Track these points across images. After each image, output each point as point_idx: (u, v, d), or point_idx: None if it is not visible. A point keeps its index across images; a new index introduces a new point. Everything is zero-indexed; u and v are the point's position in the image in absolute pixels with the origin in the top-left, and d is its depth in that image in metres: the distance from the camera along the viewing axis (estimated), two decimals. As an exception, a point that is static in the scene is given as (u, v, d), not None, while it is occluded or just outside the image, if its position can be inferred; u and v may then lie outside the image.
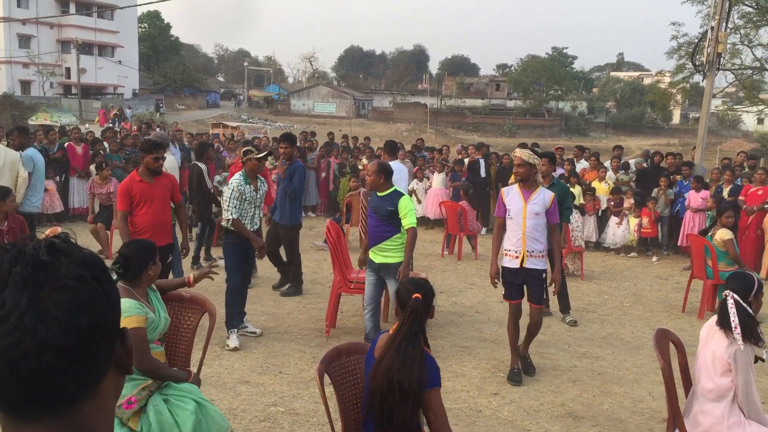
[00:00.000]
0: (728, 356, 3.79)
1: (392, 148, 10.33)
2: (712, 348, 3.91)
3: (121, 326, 1.07)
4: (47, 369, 0.96)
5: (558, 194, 7.95)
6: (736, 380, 3.79)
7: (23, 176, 8.14)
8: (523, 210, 6.06)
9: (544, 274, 6.20)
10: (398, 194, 6.49)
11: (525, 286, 6.20)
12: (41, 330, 0.94)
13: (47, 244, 1.01)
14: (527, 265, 6.07)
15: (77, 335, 0.96)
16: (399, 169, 8.85)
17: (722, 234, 8.62)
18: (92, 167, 12.79)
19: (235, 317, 6.85)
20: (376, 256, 6.53)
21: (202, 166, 10.14)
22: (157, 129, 18.16)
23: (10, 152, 8.18)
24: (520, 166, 6.13)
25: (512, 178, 12.98)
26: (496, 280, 6.32)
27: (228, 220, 6.69)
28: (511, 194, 6.20)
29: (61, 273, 0.98)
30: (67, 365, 0.96)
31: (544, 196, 6.14)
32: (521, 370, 6.27)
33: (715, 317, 4.05)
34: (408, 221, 6.40)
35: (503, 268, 6.23)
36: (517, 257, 6.09)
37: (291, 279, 8.84)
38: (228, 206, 6.70)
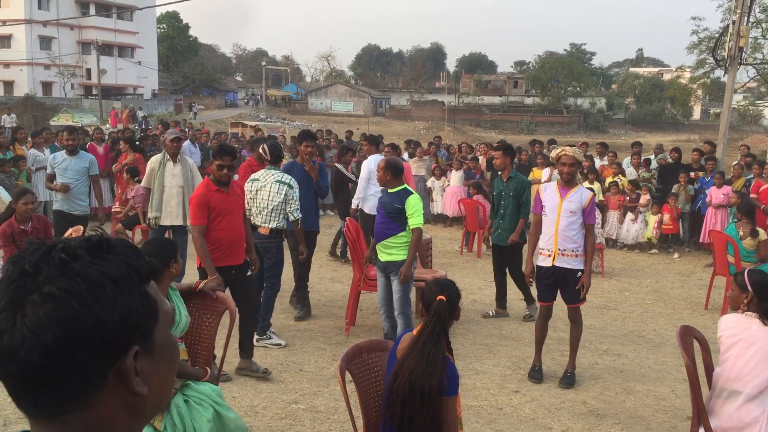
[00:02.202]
0: None
1: (373, 141, 10.34)
2: (761, 345, 3.83)
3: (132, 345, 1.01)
4: (16, 376, 0.96)
5: (515, 188, 7.95)
6: None
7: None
8: (558, 207, 5.93)
9: (579, 273, 5.96)
10: (407, 192, 6.33)
11: (559, 288, 6.07)
12: (8, 338, 0.94)
13: (45, 250, 0.99)
14: (558, 263, 5.94)
15: (40, 351, 0.94)
16: (376, 160, 8.49)
17: (761, 234, 8.56)
18: (114, 167, 12.89)
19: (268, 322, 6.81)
20: (382, 253, 6.45)
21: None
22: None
23: None
24: (571, 165, 5.95)
25: (531, 175, 12.96)
26: (531, 278, 6.27)
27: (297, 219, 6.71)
28: (548, 190, 6.11)
29: (36, 286, 0.95)
30: (34, 377, 0.95)
31: (581, 194, 5.97)
32: (541, 368, 6.21)
33: (739, 315, 3.99)
34: (414, 221, 6.24)
35: (538, 267, 6.14)
36: (549, 255, 5.98)
37: (301, 299, 7.91)
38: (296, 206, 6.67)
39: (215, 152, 5.89)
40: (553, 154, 6.21)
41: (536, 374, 6.13)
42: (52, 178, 8.58)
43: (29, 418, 1.01)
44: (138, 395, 1.02)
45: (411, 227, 6.26)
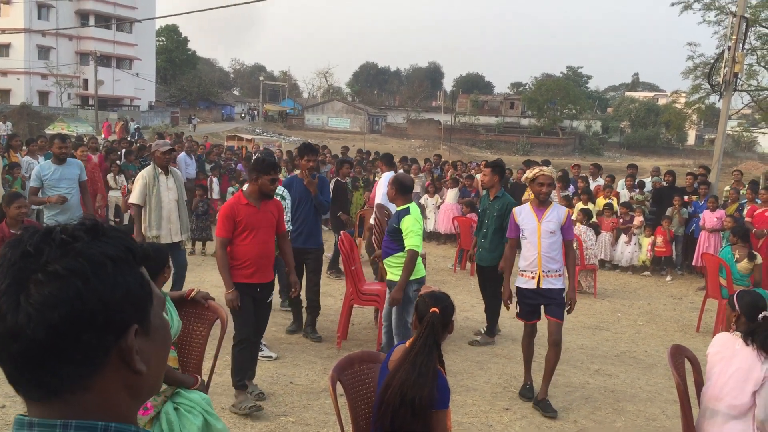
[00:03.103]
0: (765, 372, 3.73)
1: (388, 160, 10.28)
2: (740, 364, 3.83)
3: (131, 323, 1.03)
4: (20, 357, 0.97)
5: (499, 208, 7.73)
6: (760, 398, 3.72)
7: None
8: (537, 229, 5.85)
9: (563, 293, 5.94)
10: (406, 212, 6.19)
11: (543, 306, 5.99)
12: (11, 318, 0.95)
13: (44, 232, 1.00)
14: (544, 285, 5.85)
15: (46, 330, 0.95)
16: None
17: (757, 257, 8.58)
18: (109, 177, 12.91)
19: None
20: (387, 272, 6.40)
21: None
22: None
23: None
24: (549, 185, 5.94)
25: (526, 195, 13.00)
26: (509, 303, 6.21)
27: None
28: (524, 213, 5.99)
29: (40, 266, 0.97)
30: (38, 357, 0.96)
31: (558, 212, 5.92)
32: (532, 386, 6.16)
33: (728, 334, 4.00)
34: (408, 241, 6.09)
35: (519, 288, 5.99)
36: (533, 278, 5.87)
37: (295, 313, 7.76)
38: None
39: (270, 166, 5.54)
40: (529, 174, 6.08)
41: (527, 392, 6.09)
42: (37, 191, 7.95)
43: (27, 402, 1.02)
44: (138, 373, 1.04)
45: (406, 247, 6.13)
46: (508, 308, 6.24)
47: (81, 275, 0.97)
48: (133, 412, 1.07)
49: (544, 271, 5.84)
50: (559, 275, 5.91)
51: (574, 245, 6.77)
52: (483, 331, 7.87)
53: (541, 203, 5.94)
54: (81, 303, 0.96)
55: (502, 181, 8.24)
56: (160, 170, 7.39)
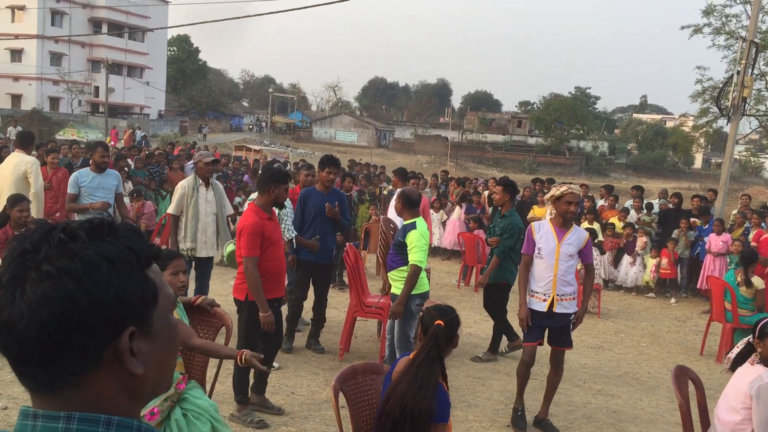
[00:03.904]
0: (751, 390, 3.73)
1: (402, 175, 10.29)
2: (735, 381, 3.86)
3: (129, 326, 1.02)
4: (14, 350, 0.99)
5: (503, 227, 7.67)
6: (756, 416, 3.72)
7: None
8: (556, 251, 5.55)
9: (572, 317, 5.72)
10: (412, 227, 6.16)
11: (548, 330, 5.71)
12: (7, 312, 0.97)
13: (45, 230, 1.02)
14: (557, 309, 5.57)
15: (36, 327, 0.96)
16: None
17: (757, 282, 8.52)
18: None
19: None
20: (392, 285, 6.41)
21: None
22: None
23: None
24: (577, 205, 5.66)
25: (531, 213, 12.98)
26: (528, 323, 5.67)
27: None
28: (543, 231, 5.67)
29: (35, 264, 0.98)
30: (30, 352, 0.98)
31: (579, 236, 5.67)
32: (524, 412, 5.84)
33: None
34: (412, 257, 6.03)
35: (530, 310, 5.69)
36: (545, 300, 5.59)
37: (289, 329, 7.35)
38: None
39: (285, 176, 5.50)
40: (555, 192, 5.68)
41: (520, 421, 5.70)
42: (75, 198, 7.61)
43: (30, 393, 1.04)
44: (133, 375, 1.04)
45: (409, 262, 6.10)
46: (525, 329, 5.74)
47: (73, 276, 0.97)
48: (134, 412, 1.07)
49: (558, 295, 5.57)
50: (573, 299, 5.66)
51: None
52: (482, 354, 7.80)
53: (564, 224, 5.64)
54: (72, 303, 0.97)
55: (513, 200, 8.16)
56: (200, 182, 7.17)
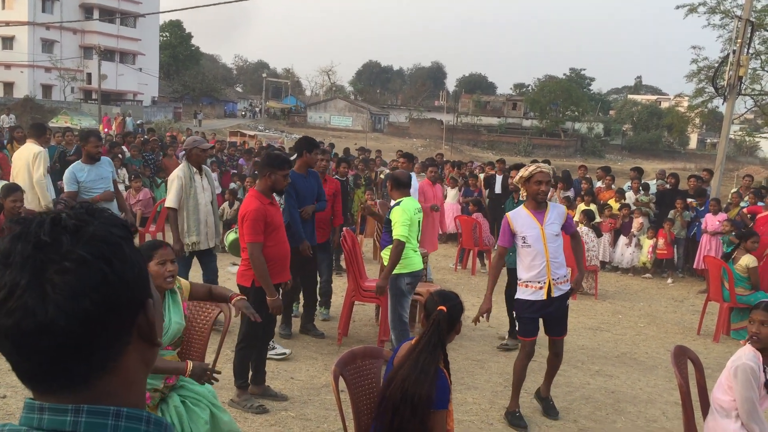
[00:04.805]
0: (731, 370, 3.77)
1: (409, 158, 10.38)
2: (730, 363, 3.89)
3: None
4: (50, 350, 0.94)
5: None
6: (736, 395, 3.76)
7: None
8: (542, 235, 5.38)
9: (567, 300, 5.58)
10: (396, 204, 6.30)
11: (544, 320, 5.53)
12: (41, 312, 0.92)
13: (52, 220, 0.98)
14: (555, 294, 5.40)
15: (79, 318, 0.94)
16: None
17: (748, 260, 8.53)
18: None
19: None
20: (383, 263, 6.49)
21: None
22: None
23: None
24: (547, 184, 5.45)
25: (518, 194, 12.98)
26: (480, 318, 5.53)
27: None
28: (521, 219, 5.46)
29: (62, 254, 0.94)
30: (71, 347, 0.95)
31: (558, 212, 5.51)
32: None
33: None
34: (395, 232, 6.15)
35: (522, 301, 5.51)
36: (541, 288, 5.39)
37: (285, 316, 7.32)
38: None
39: (284, 161, 5.48)
40: (524, 173, 5.50)
41: (518, 420, 5.45)
42: (76, 196, 7.18)
43: (40, 395, 1.00)
44: (156, 346, 1.06)
45: (393, 238, 6.20)
46: (476, 323, 5.58)
47: (104, 258, 0.97)
48: (145, 388, 1.09)
49: (553, 279, 5.40)
50: (567, 280, 5.53)
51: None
52: (507, 341, 7.64)
53: (539, 205, 5.46)
54: (108, 286, 0.96)
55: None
56: (194, 170, 6.92)
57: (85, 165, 7.37)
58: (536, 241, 5.38)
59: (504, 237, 5.54)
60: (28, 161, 7.82)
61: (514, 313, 7.54)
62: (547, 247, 5.38)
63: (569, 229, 5.66)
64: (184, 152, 7.02)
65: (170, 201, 6.80)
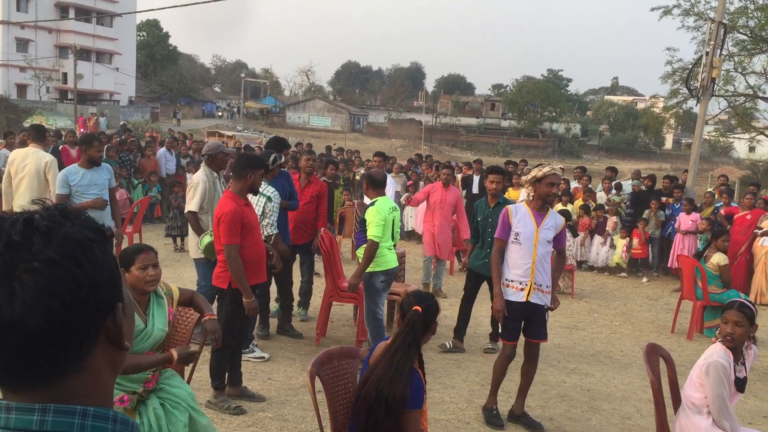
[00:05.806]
0: (703, 367, 3.85)
1: (383, 157, 10.39)
2: (699, 359, 3.97)
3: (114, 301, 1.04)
4: (17, 348, 0.95)
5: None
6: (708, 392, 3.84)
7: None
8: (535, 236, 5.31)
9: (546, 310, 5.47)
10: (371, 204, 6.37)
11: (523, 323, 5.45)
12: (7, 310, 0.94)
13: (25, 220, 0.99)
14: (532, 299, 5.31)
15: (47, 318, 0.95)
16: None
17: (719, 258, 8.67)
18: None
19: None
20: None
21: None
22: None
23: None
24: (559, 187, 5.45)
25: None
26: (504, 314, 5.37)
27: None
28: (520, 215, 5.40)
29: (32, 254, 0.95)
30: (37, 345, 0.96)
31: (555, 221, 5.44)
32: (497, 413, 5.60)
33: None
34: (369, 232, 6.18)
35: (507, 302, 5.38)
36: (522, 289, 5.32)
37: (263, 318, 7.36)
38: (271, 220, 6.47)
39: (260, 162, 5.48)
40: (537, 173, 5.38)
41: (495, 419, 5.46)
42: (66, 199, 6.83)
43: (7, 394, 1.01)
44: (124, 350, 1.06)
45: (367, 238, 6.25)
46: (501, 321, 5.46)
47: (73, 260, 0.98)
48: (112, 390, 1.09)
49: (535, 283, 5.31)
50: (548, 292, 5.41)
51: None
52: (491, 345, 7.62)
53: (542, 207, 5.41)
54: (77, 287, 0.97)
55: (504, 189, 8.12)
56: (215, 174, 6.83)
57: (81, 169, 7.08)
58: (527, 240, 5.32)
59: (502, 229, 5.46)
60: (38, 167, 7.47)
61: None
62: (537, 249, 5.31)
63: (559, 244, 5.52)
64: (205, 156, 6.94)
65: (193, 205, 6.62)
